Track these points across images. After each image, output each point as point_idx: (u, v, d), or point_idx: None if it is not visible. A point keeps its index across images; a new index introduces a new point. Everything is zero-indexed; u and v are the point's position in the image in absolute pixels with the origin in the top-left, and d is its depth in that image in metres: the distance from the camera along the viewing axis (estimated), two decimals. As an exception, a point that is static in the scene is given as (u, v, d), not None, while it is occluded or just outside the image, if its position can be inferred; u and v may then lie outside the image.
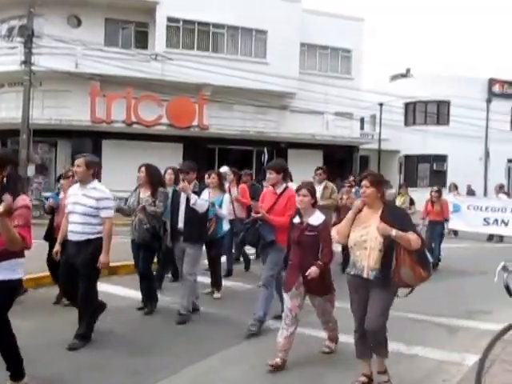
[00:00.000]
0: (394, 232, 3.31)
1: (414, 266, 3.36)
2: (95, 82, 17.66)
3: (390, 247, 3.38)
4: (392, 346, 4.46)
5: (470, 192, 17.89)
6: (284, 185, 4.97)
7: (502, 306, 4.93)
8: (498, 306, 5.48)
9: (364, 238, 3.49)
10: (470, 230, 11.97)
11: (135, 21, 19.81)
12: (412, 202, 9.65)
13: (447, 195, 11.74)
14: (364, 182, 3.56)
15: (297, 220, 4.11)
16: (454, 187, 13.76)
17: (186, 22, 19.49)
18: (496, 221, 11.51)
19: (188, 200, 5.12)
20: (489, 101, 26.08)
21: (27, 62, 15.29)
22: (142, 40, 19.97)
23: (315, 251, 4.01)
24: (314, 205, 4.13)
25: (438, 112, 26.30)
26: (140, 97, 17.76)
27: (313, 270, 3.89)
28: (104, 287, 5.66)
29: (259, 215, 4.86)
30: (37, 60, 15.40)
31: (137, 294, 5.76)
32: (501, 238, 13.00)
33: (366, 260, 3.46)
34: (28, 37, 15.44)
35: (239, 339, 4.66)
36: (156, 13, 18.95)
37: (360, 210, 3.62)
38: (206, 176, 6.80)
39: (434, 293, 6.80)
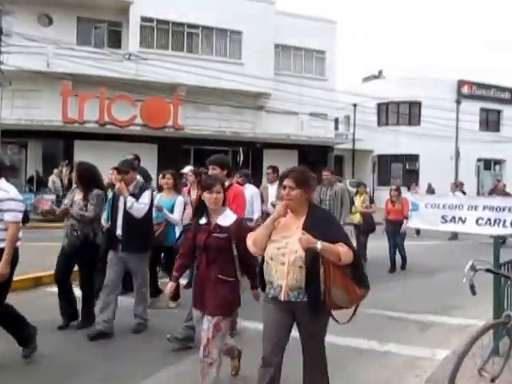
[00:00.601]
0: (319, 244, 2.66)
1: (347, 285, 2.76)
2: (67, 82, 17.35)
3: (313, 263, 2.73)
4: (365, 343, 4.64)
5: (430, 190, 18.01)
6: (227, 182, 4.38)
7: (472, 302, 5.04)
8: (468, 301, 5.52)
9: (282, 251, 2.81)
10: (428, 228, 12.01)
11: (108, 20, 19.56)
12: (372, 201, 9.46)
13: (405, 194, 11.64)
14: (287, 182, 2.86)
15: (203, 221, 3.41)
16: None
17: (160, 21, 19.37)
18: (454, 218, 11.57)
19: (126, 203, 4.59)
20: (458, 102, 26.80)
21: (-4, 60, 14.91)
22: (115, 39, 19.73)
23: (226, 259, 3.29)
24: (224, 202, 3.45)
25: (409, 113, 26.89)
26: (113, 97, 17.53)
27: (255, 293, 3.28)
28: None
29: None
30: (6, 59, 15.03)
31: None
32: (455, 236, 13.25)
33: (284, 278, 2.78)
34: (-4, 35, 15.06)
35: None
36: (130, 12, 18.78)
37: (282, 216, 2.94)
38: (161, 176, 6.33)
39: (406, 290, 7.07)
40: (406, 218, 8.81)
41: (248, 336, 4.67)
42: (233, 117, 20.42)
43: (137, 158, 9.18)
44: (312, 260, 2.73)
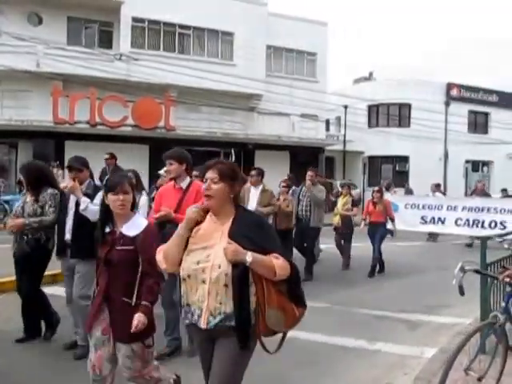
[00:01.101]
0: (249, 257, 2.17)
1: (284, 305, 2.30)
2: (57, 82, 17.19)
3: (242, 280, 2.22)
4: (354, 342, 4.72)
5: (408, 191, 18.05)
6: (188, 178, 4.18)
7: (459, 302, 5.01)
8: (455, 300, 5.50)
9: (202, 265, 2.25)
10: (408, 229, 11.85)
11: (99, 20, 19.41)
12: (354, 203, 9.18)
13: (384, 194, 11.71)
14: (209, 173, 2.33)
15: (107, 229, 2.84)
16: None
17: (151, 22, 19.30)
18: (433, 219, 11.58)
19: (78, 205, 4.11)
20: (447, 104, 27.11)
21: (-15, 60, 14.78)
22: (106, 40, 19.60)
23: (132, 276, 2.74)
24: (133, 206, 2.90)
25: (399, 114, 27.13)
26: (104, 97, 17.42)
27: (140, 321, 2.63)
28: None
29: (161, 214, 3.97)
30: (-5, 58, 14.91)
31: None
32: (434, 237, 13.06)
33: (206, 300, 2.24)
34: (-15, 34, 14.93)
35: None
36: (121, 12, 18.66)
37: (200, 221, 2.37)
38: None
39: (395, 289, 7.21)
40: (392, 219, 8.66)
41: None
42: (224, 118, 20.42)
43: (113, 156, 9.04)
44: (240, 276, 2.20)
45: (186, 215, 2.34)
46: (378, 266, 8.43)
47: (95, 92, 17.15)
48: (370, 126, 27.37)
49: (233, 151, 17.12)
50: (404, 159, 26.44)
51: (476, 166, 28.71)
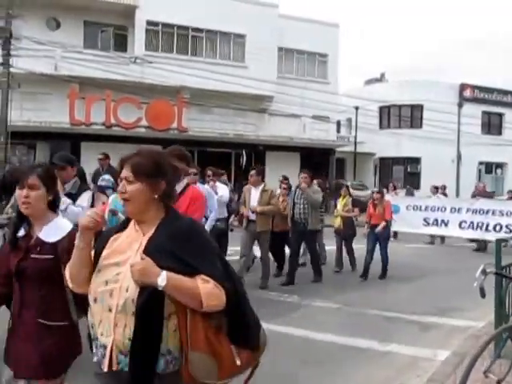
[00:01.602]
0: (162, 279, 1.60)
1: (216, 347, 1.68)
2: (74, 85, 17.72)
3: (152, 309, 1.65)
4: (365, 343, 4.66)
5: (409, 193, 17.53)
6: (185, 181, 3.71)
7: (472, 304, 5.15)
8: (467, 303, 5.70)
9: (111, 286, 1.72)
10: (410, 231, 11.57)
11: (114, 24, 19.91)
12: (355, 204, 8.72)
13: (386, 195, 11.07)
14: (123, 172, 1.79)
15: (21, 233, 2.25)
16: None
17: (165, 25, 19.71)
18: (436, 221, 11.25)
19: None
20: (460, 105, 26.96)
21: (5, 64, 15.27)
22: (121, 43, 20.09)
23: (53, 293, 2.16)
24: (53, 207, 2.32)
25: (411, 116, 27.07)
26: (119, 99, 17.89)
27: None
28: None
29: None
30: (15, 62, 15.39)
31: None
32: (442, 239, 12.52)
33: (112, 334, 1.69)
34: (6, 39, 15.41)
35: None
36: (135, 16, 19.12)
37: (120, 230, 1.84)
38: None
39: (406, 291, 7.13)
40: (386, 221, 8.15)
41: None
42: (236, 119, 20.71)
43: (107, 157, 8.88)
44: (148, 305, 1.63)
45: (79, 223, 1.79)
46: (375, 269, 8.11)
47: (110, 94, 17.62)
48: (381, 127, 27.38)
49: (244, 152, 17.36)
50: (416, 161, 26.38)
51: (489, 167, 28.48)
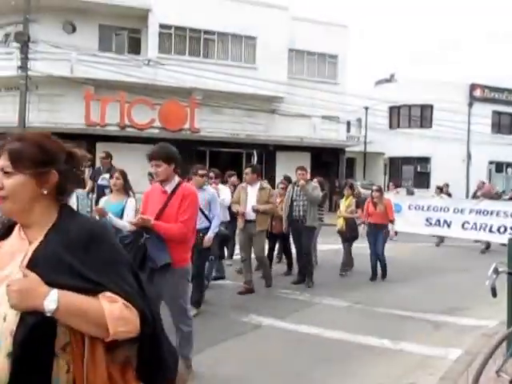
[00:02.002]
0: (51, 301, 1.19)
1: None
2: (89, 87, 18.15)
3: (38, 345, 1.20)
4: (377, 341, 4.67)
5: (409, 193, 17.48)
6: (177, 179, 3.61)
7: (484, 303, 5.12)
8: (479, 302, 5.68)
9: None
10: (411, 231, 11.15)
11: (128, 27, 20.32)
12: (359, 205, 8.28)
13: (387, 194, 10.80)
14: (1, 162, 1.33)
15: None
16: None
17: (177, 28, 20.06)
18: (438, 221, 10.90)
19: None
20: (470, 105, 26.95)
21: (23, 67, 15.73)
22: (134, 46, 20.49)
23: None
24: None
25: (421, 115, 27.13)
26: (133, 101, 18.28)
27: None
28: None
29: (139, 221, 3.41)
30: (33, 65, 15.85)
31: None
32: (441, 239, 12.21)
33: None
34: (24, 43, 15.87)
35: (226, 335, 4.68)
36: (148, 20, 19.49)
37: (2, 238, 1.40)
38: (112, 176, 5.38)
39: (417, 290, 7.13)
40: (392, 221, 7.89)
41: (265, 332, 4.95)
42: (247, 120, 20.99)
43: (108, 155, 8.72)
44: (31, 340, 1.19)
45: None
46: (380, 270, 7.90)
47: (124, 96, 18.02)
48: (391, 127, 27.48)
49: (255, 152, 17.62)
50: (426, 160, 26.44)
51: (500, 167, 28.42)
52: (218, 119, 20.20)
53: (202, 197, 4.80)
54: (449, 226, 10.79)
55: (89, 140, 18.27)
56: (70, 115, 17.92)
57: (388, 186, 12.74)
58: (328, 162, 22.84)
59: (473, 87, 27.37)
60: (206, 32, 20.52)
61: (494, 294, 3.01)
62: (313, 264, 7.49)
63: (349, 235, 8.16)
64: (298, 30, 21.47)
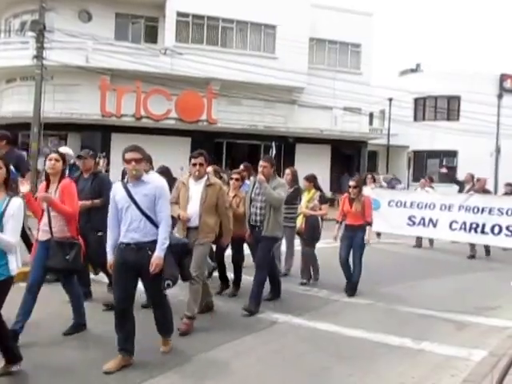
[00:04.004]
0: None
1: None
2: (105, 76, 17.87)
3: None
4: (398, 340, 4.57)
5: (391, 185, 15.58)
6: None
7: (509, 303, 5.05)
8: (504, 302, 5.55)
9: None
10: (392, 232, 9.80)
11: (145, 15, 19.98)
12: (324, 201, 6.97)
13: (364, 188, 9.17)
14: None
15: None
16: (371, 179, 11.16)
17: (195, 16, 19.59)
18: (423, 220, 9.36)
19: None
20: (500, 96, 25.90)
21: (39, 56, 15.49)
22: (151, 34, 20.14)
23: None
24: None
25: (448, 107, 26.20)
26: (149, 91, 17.94)
27: None
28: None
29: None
30: (48, 54, 15.60)
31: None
32: (431, 242, 10.79)
33: None
34: (40, 31, 15.64)
35: (242, 332, 4.64)
36: (166, 7, 19.09)
37: None
38: None
39: (439, 288, 6.93)
40: (370, 223, 6.45)
41: (282, 329, 4.84)
42: (265, 111, 20.46)
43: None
44: None
45: None
46: (350, 282, 6.40)
47: (140, 86, 17.69)
48: (416, 119, 26.59)
49: (273, 144, 17.10)
50: (452, 154, 25.51)
51: (530, 161, 27.27)
52: (235, 110, 19.71)
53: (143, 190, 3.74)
54: (435, 225, 9.22)
55: (104, 131, 18.05)
56: (85, 105, 17.70)
57: (365, 180, 10.89)
58: (349, 155, 22.16)
59: (503, 78, 26.29)
60: (224, 20, 20.00)
61: None
62: (279, 280, 5.97)
63: (307, 236, 6.77)
64: (319, 19, 20.79)
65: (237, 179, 6.11)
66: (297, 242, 7.13)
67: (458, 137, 23.56)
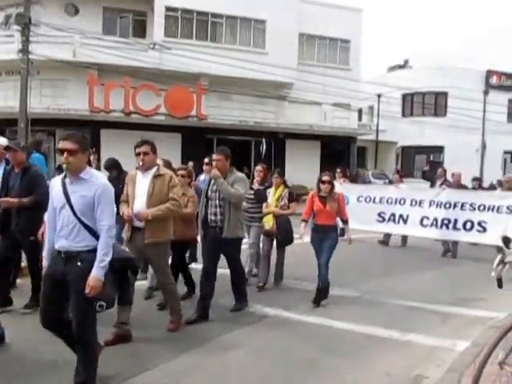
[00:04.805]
0: None
1: None
2: (93, 71, 17.59)
3: None
4: (385, 332, 4.67)
5: (363, 180, 15.43)
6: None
7: (493, 295, 4.99)
8: (489, 294, 5.58)
9: None
10: (361, 229, 9.29)
11: (133, 10, 19.69)
12: (292, 198, 6.31)
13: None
14: None
15: None
16: (341, 174, 10.79)
17: (184, 11, 19.39)
18: (393, 216, 9.11)
19: None
20: (486, 92, 26.24)
21: (24, 50, 15.17)
22: (140, 29, 19.88)
23: None
24: None
25: (435, 103, 26.46)
26: (138, 86, 17.72)
27: None
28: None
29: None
30: (34, 49, 15.27)
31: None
32: (404, 240, 9.95)
33: None
34: (25, 25, 15.28)
35: (232, 325, 4.71)
36: (154, 2, 18.82)
37: None
38: None
39: (425, 281, 7.06)
40: (346, 221, 5.88)
41: (271, 322, 4.89)
42: (255, 106, 20.39)
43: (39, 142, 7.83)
44: None
45: None
46: (319, 287, 5.68)
47: (129, 81, 17.45)
48: (404, 115, 26.81)
49: (263, 140, 17.09)
50: (439, 150, 25.80)
51: (515, 157, 27.74)
52: (225, 106, 19.61)
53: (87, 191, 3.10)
54: (405, 221, 9.00)
55: (93, 126, 17.79)
56: (73, 101, 17.43)
57: (334, 174, 10.19)
58: (339, 150, 22.24)
59: (489, 74, 26.62)
60: (213, 15, 19.83)
61: (500, 285, 3.00)
62: (244, 288, 5.37)
63: (280, 238, 6.11)
64: (309, 14, 20.76)
65: (183, 176, 5.45)
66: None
67: (445, 132, 23.87)
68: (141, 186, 4.29)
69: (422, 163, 25.97)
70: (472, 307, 5.64)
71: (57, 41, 16.80)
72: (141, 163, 4.24)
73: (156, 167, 4.36)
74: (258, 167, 6.65)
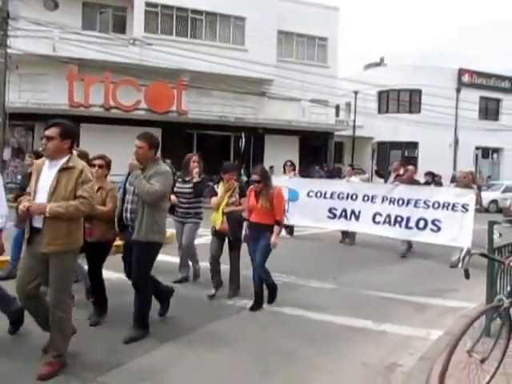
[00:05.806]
0: None
1: None
2: (73, 66, 17.57)
3: None
4: (360, 322, 4.74)
5: (319, 174, 14.84)
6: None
7: (465, 286, 5.18)
8: (461, 285, 5.71)
9: None
10: (312, 225, 8.97)
11: (113, 5, 19.69)
12: (243, 194, 5.43)
13: (279, 178, 8.77)
14: None
15: None
16: (291, 167, 10.13)
17: (164, 7, 19.50)
18: (344, 212, 8.54)
19: None
20: (458, 90, 27.04)
21: (2, 44, 15.08)
22: (120, 24, 19.89)
23: None
24: None
25: (410, 100, 27.16)
26: (118, 81, 17.77)
27: None
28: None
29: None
30: (13, 43, 15.17)
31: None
32: (351, 238, 9.35)
33: None
34: (3, 19, 15.19)
35: (211, 318, 4.67)
36: (134, -3, 18.90)
37: None
38: None
39: (401, 273, 7.18)
40: (279, 223, 5.13)
41: (250, 315, 4.94)
42: (235, 102, 20.66)
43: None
44: None
45: None
46: (268, 292, 5.29)
47: (109, 76, 17.50)
48: (380, 111, 27.46)
49: (243, 135, 17.38)
50: (413, 145, 26.53)
51: (486, 152, 28.71)
52: (206, 101, 19.84)
53: None
54: (357, 218, 8.44)
55: (73, 121, 17.44)
56: (52, 95, 17.38)
57: (284, 168, 10.17)
58: (317, 145, 22.71)
59: (461, 72, 27.43)
60: (193, 11, 20.00)
61: (467, 276, 3.06)
62: (168, 290, 4.73)
63: (233, 237, 5.37)
64: (287, 12, 21.11)
65: (100, 166, 4.52)
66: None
67: (419, 129, 24.57)
68: (45, 178, 3.42)
69: (397, 158, 26.68)
70: (445, 298, 5.76)
71: (36, 35, 16.69)
72: (42, 147, 3.60)
73: (67, 157, 3.43)
74: (194, 157, 5.83)
